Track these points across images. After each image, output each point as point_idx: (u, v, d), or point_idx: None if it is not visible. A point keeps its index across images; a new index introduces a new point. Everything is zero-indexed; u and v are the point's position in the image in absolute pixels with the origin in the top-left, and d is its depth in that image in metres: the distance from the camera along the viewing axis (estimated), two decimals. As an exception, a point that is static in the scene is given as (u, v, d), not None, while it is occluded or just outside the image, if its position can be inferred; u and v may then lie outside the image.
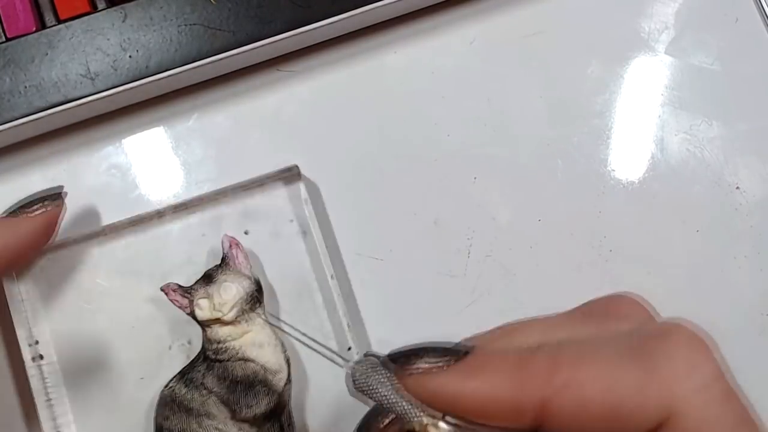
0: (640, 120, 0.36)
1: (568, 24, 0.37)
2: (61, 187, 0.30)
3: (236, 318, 0.29)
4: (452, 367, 0.19)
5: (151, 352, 0.31)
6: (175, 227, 0.32)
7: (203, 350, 0.30)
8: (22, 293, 0.31)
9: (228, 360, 0.29)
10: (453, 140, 0.35)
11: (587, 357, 0.18)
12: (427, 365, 0.19)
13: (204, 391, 0.29)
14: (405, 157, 0.35)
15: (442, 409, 0.19)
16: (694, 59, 0.36)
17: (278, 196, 0.32)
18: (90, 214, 0.33)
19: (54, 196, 0.29)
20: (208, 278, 0.30)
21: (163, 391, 0.30)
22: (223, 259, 0.30)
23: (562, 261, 0.34)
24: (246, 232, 0.32)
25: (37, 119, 0.31)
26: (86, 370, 0.31)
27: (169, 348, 0.31)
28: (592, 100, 0.36)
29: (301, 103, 0.35)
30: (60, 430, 0.30)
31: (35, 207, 0.28)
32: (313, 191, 0.34)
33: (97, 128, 0.34)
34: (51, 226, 0.29)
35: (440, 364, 0.19)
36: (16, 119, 0.31)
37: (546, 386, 0.18)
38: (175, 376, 0.30)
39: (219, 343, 0.29)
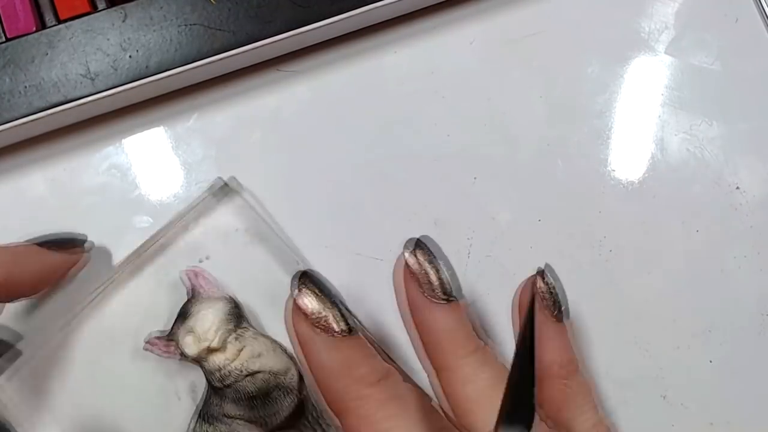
0: (640, 120, 0.36)
1: (568, 24, 0.37)
2: (92, 243, 0.31)
3: (224, 341, 0.29)
4: None
5: (158, 408, 0.30)
6: (131, 284, 0.31)
7: (209, 384, 0.29)
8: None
9: (236, 382, 0.29)
10: (453, 140, 0.35)
11: None
12: None
13: (227, 420, 0.29)
14: (405, 157, 0.35)
15: None
16: (694, 59, 0.36)
17: (218, 215, 0.32)
18: (90, 215, 0.33)
19: (81, 245, 0.30)
20: (183, 316, 0.30)
21: None
22: (191, 293, 0.30)
23: (562, 261, 0.34)
24: (201, 260, 0.32)
25: (37, 119, 0.31)
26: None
27: (179, 399, 0.31)
28: (592, 100, 0.36)
29: (301, 103, 0.35)
30: None
31: (66, 245, 0.30)
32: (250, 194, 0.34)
33: (97, 128, 0.34)
34: (65, 270, 0.30)
35: None
36: (16, 119, 0.31)
37: None
38: (191, 420, 0.30)
39: (219, 371, 0.29)
